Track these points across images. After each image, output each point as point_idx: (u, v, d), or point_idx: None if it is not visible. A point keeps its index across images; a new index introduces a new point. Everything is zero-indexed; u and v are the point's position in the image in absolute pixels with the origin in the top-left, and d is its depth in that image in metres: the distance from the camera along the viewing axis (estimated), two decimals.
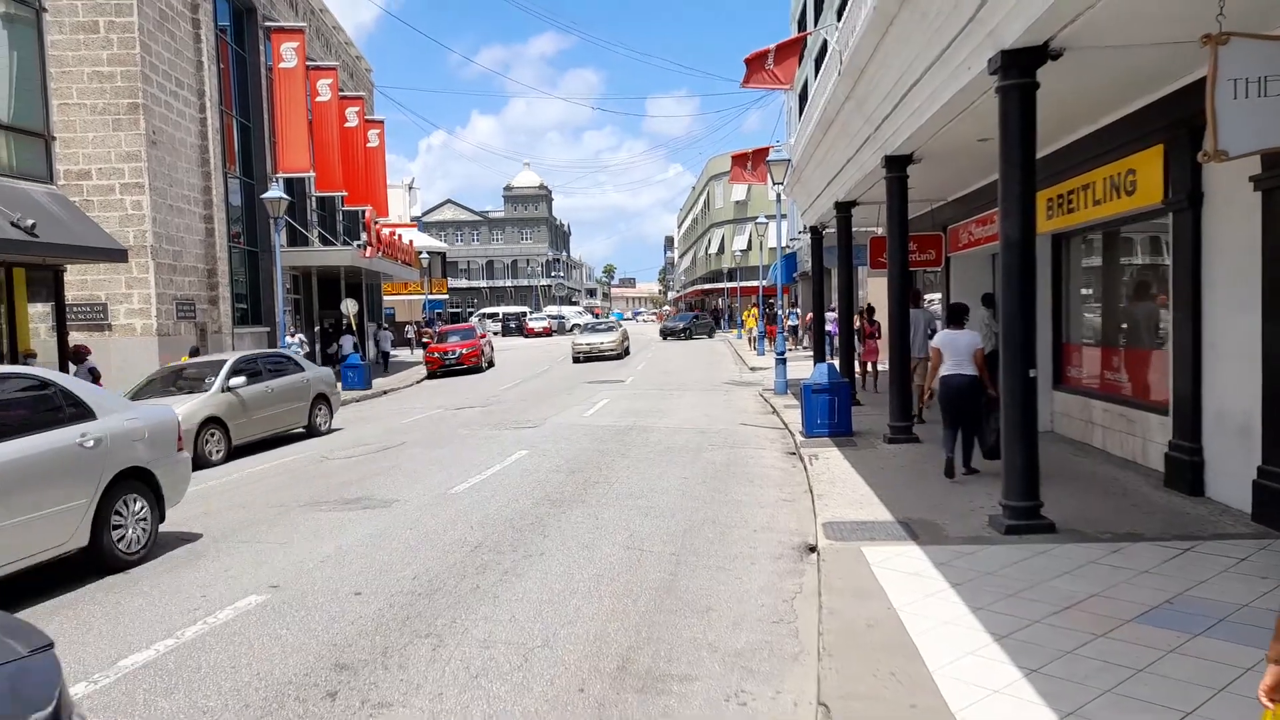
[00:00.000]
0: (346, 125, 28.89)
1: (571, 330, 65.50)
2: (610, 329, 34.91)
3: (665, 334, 49.26)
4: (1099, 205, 9.48)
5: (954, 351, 9.13)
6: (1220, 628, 4.78)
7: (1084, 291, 11.42)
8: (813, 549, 6.98)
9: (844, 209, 15.11)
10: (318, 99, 27.25)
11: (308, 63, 26.16)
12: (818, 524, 7.44)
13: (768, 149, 19.19)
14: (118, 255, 15.59)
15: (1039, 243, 10.85)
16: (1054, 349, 11.58)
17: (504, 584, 6.30)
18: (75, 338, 16.86)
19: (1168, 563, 5.94)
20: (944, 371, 9.17)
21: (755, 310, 36.35)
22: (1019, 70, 6.71)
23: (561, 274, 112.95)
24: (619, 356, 32.05)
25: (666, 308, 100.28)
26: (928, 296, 19.24)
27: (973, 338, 9.27)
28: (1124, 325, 10.14)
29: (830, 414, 12.00)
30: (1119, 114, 8.79)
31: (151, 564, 7.20)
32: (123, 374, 18.42)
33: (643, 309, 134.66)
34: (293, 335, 22.42)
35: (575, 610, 5.73)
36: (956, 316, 9.57)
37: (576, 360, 31.31)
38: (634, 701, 4.42)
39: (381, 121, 32.99)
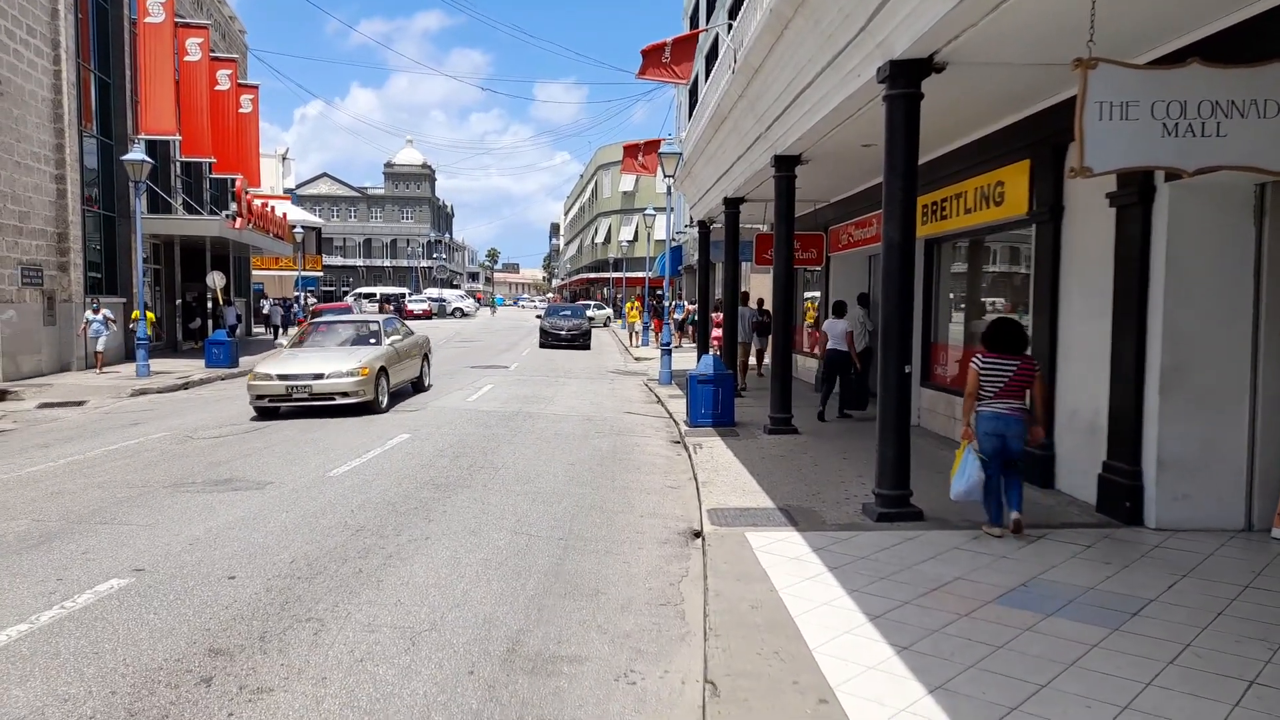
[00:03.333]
0: (217, 88, 27.27)
1: (453, 313, 63.58)
2: (361, 340, 15.35)
3: (547, 338, 30.78)
4: (970, 214, 10.06)
5: (833, 334, 12.73)
6: (1069, 608, 5.19)
7: (952, 295, 12.09)
8: (698, 534, 7.15)
9: (732, 205, 15.44)
10: (186, 58, 25.62)
11: (176, 19, 24.57)
12: (703, 510, 7.62)
13: (659, 141, 19.40)
14: None
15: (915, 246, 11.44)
16: (923, 348, 12.21)
17: (388, 568, 6.18)
18: None
19: (1023, 549, 6.39)
20: (828, 347, 12.77)
21: (638, 303, 35.61)
22: (905, 80, 7.05)
23: (443, 256, 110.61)
24: (366, 406, 13.92)
25: (550, 295, 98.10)
26: (806, 294, 19.92)
27: (846, 324, 12.80)
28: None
29: (714, 404, 12.27)
30: (992, 128, 9.35)
31: None
32: None
33: (525, 295, 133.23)
34: (95, 311, 19.58)
35: (463, 594, 5.68)
36: (838, 310, 13.08)
37: (261, 414, 13.75)
38: (524, 683, 4.43)
39: (255, 86, 31.35)
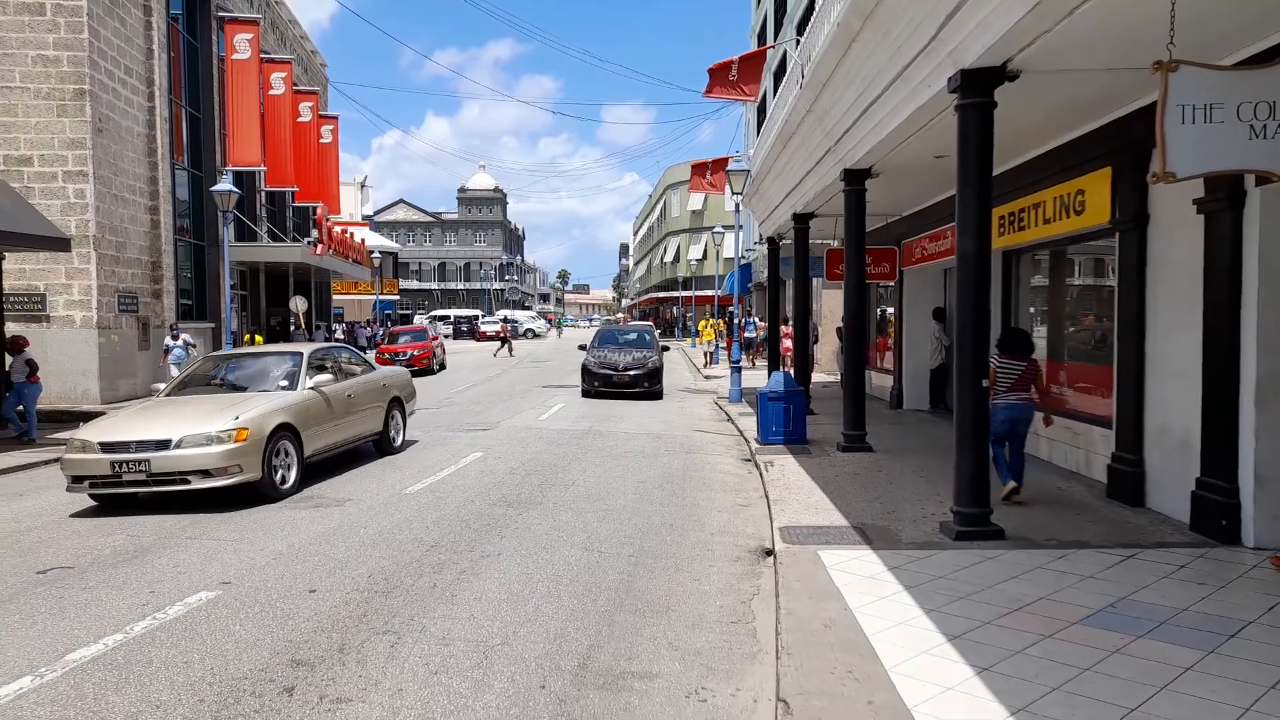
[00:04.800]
0: (299, 120, 28.45)
1: (525, 334, 64.35)
2: (266, 383, 10.51)
3: (594, 381, 19.89)
4: (1049, 224, 9.79)
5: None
6: (1161, 630, 4.96)
7: (1032, 309, 11.75)
8: (769, 552, 7.07)
9: (802, 220, 15.33)
10: (270, 92, 26.80)
11: (261, 55, 25.72)
12: (774, 528, 7.53)
13: (727, 159, 19.39)
14: (59, 244, 15.14)
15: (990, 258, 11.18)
16: None
17: (461, 583, 6.27)
18: (12, 328, 16.32)
19: (1111, 569, 6.14)
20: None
21: (713, 321, 34.43)
22: (977, 90, 6.92)
23: (515, 278, 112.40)
24: (250, 490, 9.12)
25: (619, 314, 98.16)
26: (883, 308, 19.63)
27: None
28: (1071, 341, 10.47)
29: (785, 421, 12.15)
30: (1070, 136, 9.10)
31: (95, 559, 7.00)
32: (60, 366, 17.87)
33: (596, 315, 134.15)
34: (174, 337, 19.07)
35: (535, 609, 5.72)
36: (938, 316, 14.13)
37: (102, 504, 9.15)
38: (595, 698, 4.44)
39: (335, 117, 32.55)
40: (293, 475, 9.65)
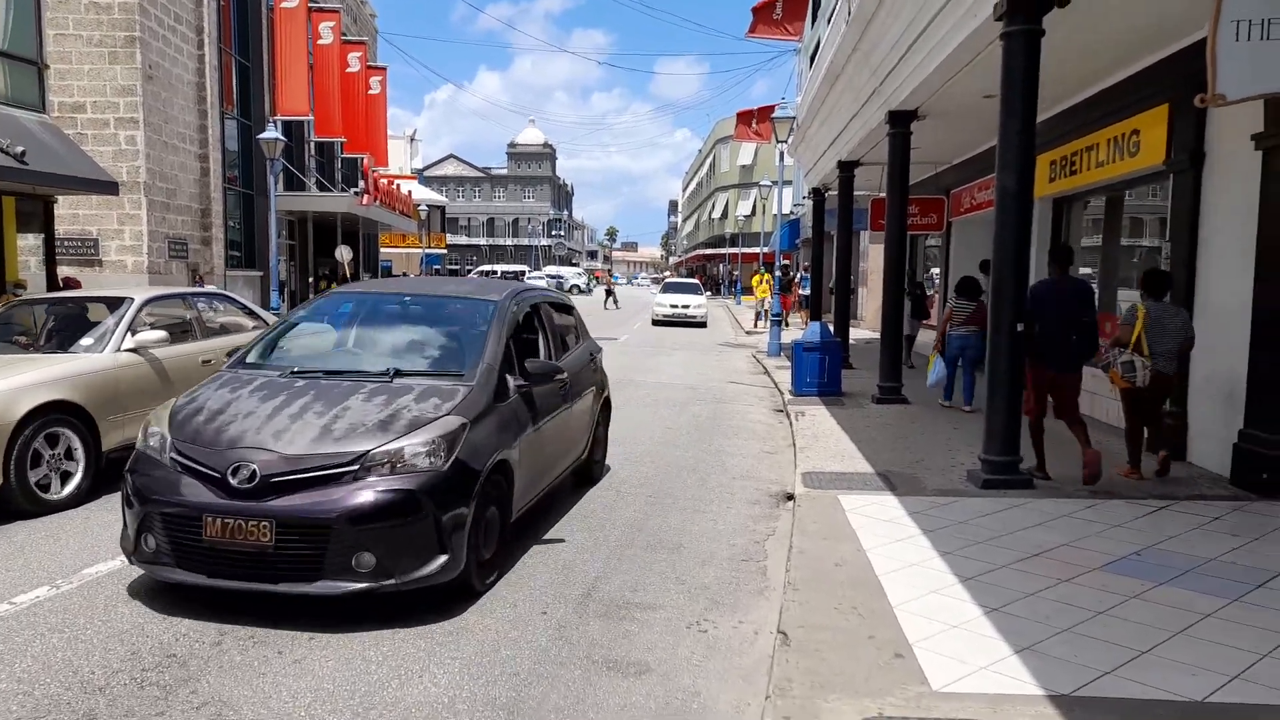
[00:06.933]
0: (348, 70, 28.44)
1: (571, 290, 64.23)
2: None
3: None
4: (1101, 167, 9.37)
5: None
6: (1185, 578, 4.77)
7: (1086, 268, 11.31)
8: (790, 497, 6.97)
9: (847, 169, 14.95)
10: (319, 41, 26.80)
11: (310, 4, 25.73)
12: (797, 474, 7.42)
13: (773, 106, 18.96)
14: (109, 188, 15.41)
15: (1040, 206, 10.78)
16: None
17: None
18: (65, 271, 16.76)
19: (1141, 519, 5.93)
20: None
21: (767, 276, 29.37)
22: (1025, 16, 6.57)
23: (563, 234, 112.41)
24: None
25: (666, 273, 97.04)
26: (931, 270, 19.15)
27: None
28: (1120, 290, 10.08)
29: (820, 372, 11.94)
30: (1125, 73, 8.66)
31: None
32: None
33: (642, 273, 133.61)
34: (200, 282, 17.62)
35: (546, 543, 5.71)
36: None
37: None
38: (595, 625, 4.42)
39: (384, 69, 32.50)
40: (74, 479, 6.51)
